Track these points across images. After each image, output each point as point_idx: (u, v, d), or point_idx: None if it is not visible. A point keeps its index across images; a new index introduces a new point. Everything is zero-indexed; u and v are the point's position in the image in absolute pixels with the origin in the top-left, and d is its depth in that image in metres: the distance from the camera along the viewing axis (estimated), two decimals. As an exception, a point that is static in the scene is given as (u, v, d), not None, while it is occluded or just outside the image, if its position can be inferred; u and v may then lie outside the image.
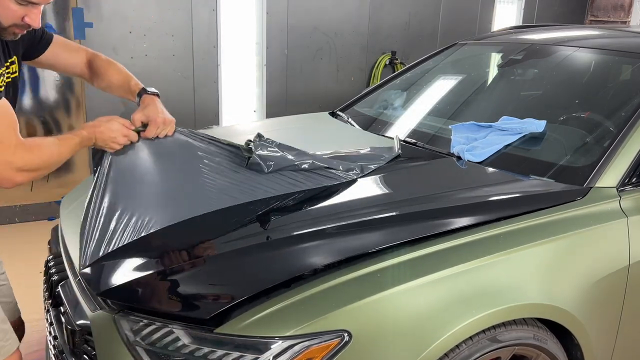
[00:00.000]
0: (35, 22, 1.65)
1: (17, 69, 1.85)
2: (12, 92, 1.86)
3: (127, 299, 1.49)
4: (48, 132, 4.19)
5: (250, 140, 1.97)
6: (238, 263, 1.54)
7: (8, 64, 1.78)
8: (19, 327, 2.02)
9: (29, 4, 1.62)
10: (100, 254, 1.64)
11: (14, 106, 1.79)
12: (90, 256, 1.65)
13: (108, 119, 1.80)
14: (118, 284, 1.53)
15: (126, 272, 1.58)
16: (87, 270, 1.66)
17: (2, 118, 1.61)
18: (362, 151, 2.20)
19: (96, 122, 1.78)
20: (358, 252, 1.49)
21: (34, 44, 1.91)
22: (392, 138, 2.39)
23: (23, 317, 2.28)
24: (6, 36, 1.69)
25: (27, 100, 4.06)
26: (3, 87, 1.74)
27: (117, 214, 1.74)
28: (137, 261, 1.62)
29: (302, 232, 1.62)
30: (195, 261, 1.58)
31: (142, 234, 1.68)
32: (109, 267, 1.62)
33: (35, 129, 4.14)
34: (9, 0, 1.59)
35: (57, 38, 1.97)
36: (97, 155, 1.85)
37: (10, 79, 1.82)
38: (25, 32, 1.70)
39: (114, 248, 1.65)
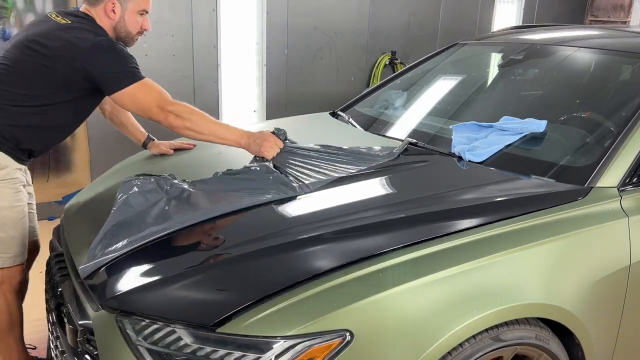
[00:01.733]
0: (148, 26, 2.30)
1: None
2: None
3: (131, 307, 1.48)
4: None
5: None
6: (242, 267, 1.54)
7: None
8: (32, 251, 2.36)
9: (144, 13, 2.26)
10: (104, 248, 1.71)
11: None
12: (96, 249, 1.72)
13: (264, 135, 2.15)
14: (122, 291, 1.53)
15: (130, 279, 1.58)
16: (90, 274, 1.66)
17: (152, 88, 2.13)
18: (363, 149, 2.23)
19: (256, 134, 2.15)
20: (361, 255, 1.49)
21: None
22: (396, 139, 2.40)
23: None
24: (131, 44, 2.30)
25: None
26: None
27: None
28: (140, 268, 1.63)
29: (304, 236, 1.62)
30: (198, 266, 1.57)
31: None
32: (113, 275, 1.62)
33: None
34: (135, 14, 2.23)
35: None
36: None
37: None
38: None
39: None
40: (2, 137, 2.09)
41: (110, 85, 2.10)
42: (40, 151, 2.25)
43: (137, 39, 2.30)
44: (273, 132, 2.17)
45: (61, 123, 2.22)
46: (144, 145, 2.56)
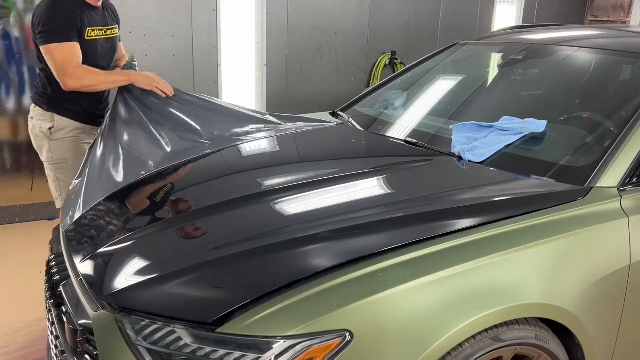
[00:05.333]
0: None
1: (117, 33, 2.86)
2: (108, 48, 2.79)
3: (129, 304, 1.49)
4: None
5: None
6: (241, 265, 1.54)
7: (109, 29, 2.77)
8: None
9: None
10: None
11: (111, 55, 2.84)
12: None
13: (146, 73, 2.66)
14: (120, 288, 1.53)
15: (128, 277, 1.58)
16: (90, 272, 1.67)
17: (65, 51, 2.49)
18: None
19: (144, 73, 2.65)
20: (360, 254, 1.49)
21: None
22: (396, 139, 2.40)
23: (24, 317, 2.28)
24: (93, 2, 2.64)
25: (27, 100, 4.06)
26: (93, 37, 2.66)
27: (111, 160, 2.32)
28: (139, 266, 1.63)
29: (303, 235, 1.62)
30: (196, 264, 1.57)
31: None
32: (111, 272, 1.62)
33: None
34: None
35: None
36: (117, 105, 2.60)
37: (109, 36, 2.78)
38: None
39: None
40: (57, 103, 2.66)
41: (38, 39, 2.54)
42: (87, 109, 2.73)
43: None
44: (127, 63, 2.79)
45: None
46: None
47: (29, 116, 2.78)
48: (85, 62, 2.59)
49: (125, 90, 2.65)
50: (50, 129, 2.70)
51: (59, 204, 2.81)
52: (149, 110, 2.61)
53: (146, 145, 2.44)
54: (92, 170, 2.31)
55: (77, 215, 2.05)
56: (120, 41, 2.96)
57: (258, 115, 2.81)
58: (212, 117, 2.67)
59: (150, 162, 2.32)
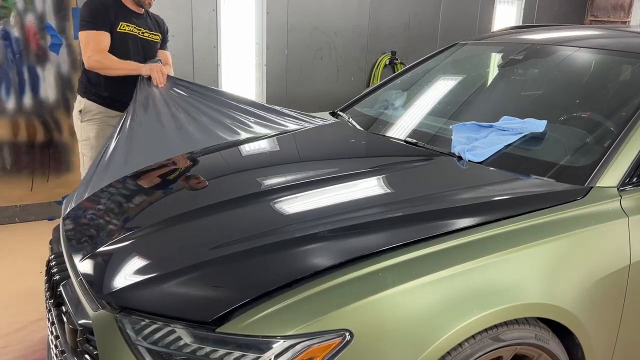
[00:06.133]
0: None
1: (157, 40, 3.25)
2: (142, 46, 3.17)
3: (129, 303, 1.49)
4: (48, 132, 4.19)
5: None
6: (240, 265, 1.54)
7: (148, 32, 3.18)
8: None
9: None
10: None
11: (142, 55, 3.16)
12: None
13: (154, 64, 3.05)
14: (120, 287, 1.53)
15: (128, 276, 1.58)
16: (90, 272, 1.67)
17: (95, 38, 2.95)
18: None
19: (149, 64, 3.03)
20: (360, 254, 1.49)
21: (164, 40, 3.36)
22: (396, 139, 2.39)
23: (24, 317, 2.28)
24: (145, 5, 3.11)
25: (27, 100, 4.06)
26: (125, 31, 3.06)
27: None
28: (138, 265, 1.63)
29: (303, 234, 1.62)
30: (196, 263, 1.58)
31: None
32: (111, 271, 1.62)
33: (35, 129, 4.14)
34: None
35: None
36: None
37: (146, 38, 3.18)
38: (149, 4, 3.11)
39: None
40: (86, 89, 3.11)
41: (78, 28, 2.99)
42: (112, 95, 3.08)
43: (148, 2, 3.09)
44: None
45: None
46: None
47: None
48: (115, 53, 2.99)
49: (147, 82, 2.98)
50: (80, 111, 3.13)
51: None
52: (165, 102, 2.89)
53: (157, 135, 2.71)
54: (104, 157, 2.59)
55: (84, 196, 2.25)
56: (166, 50, 3.37)
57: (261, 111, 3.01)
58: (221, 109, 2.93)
59: (160, 151, 2.55)
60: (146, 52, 3.18)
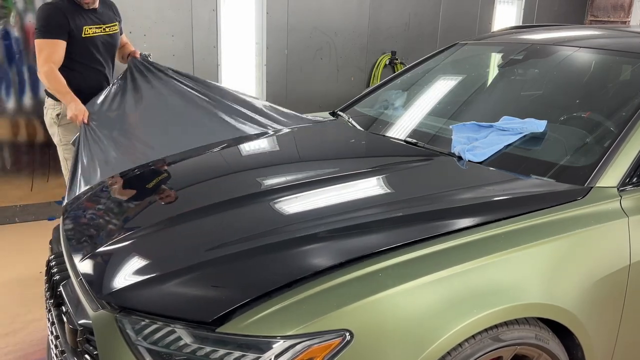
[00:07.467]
0: None
1: (117, 29, 3.25)
2: (108, 42, 3.20)
3: (129, 303, 1.49)
4: (48, 132, 4.18)
5: None
6: (241, 265, 1.54)
7: (108, 26, 3.17)
8: None
9: None
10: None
11: (112, 49, 3.27)
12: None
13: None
14: (119, 287, 1.53)
15: (128, 276, 1.58)
16: (90, 272, 1.67)
17: (48, 48, 2.94)
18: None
19: (73, 105, 2.94)
20: (360, 254, 1.49)
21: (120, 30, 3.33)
22: (396, 139, 2.39)
23: (24, 317, 2.28)
24: (84, 5, 3.02)
25: (27, 100, 4.06)
26: (91, 35, 3.09)
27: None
28: (138, 265, 1.63)
29: (303, 234, 1.62)
30: (196, 263, 1.58)
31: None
32: (111, 271, 1.62)
33: (35, 129, 4.14)
34: None
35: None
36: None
37: (108, 33, 3.19)
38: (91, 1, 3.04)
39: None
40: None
41: (35, 34, 3.00)
42: (87, 98, 3.00)
43: (86, 2, 3.02)
44: (142, 54, 3.22)
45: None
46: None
47: (44, 106, 3.22)
48: (86, 55, 3.08)
49: (130, 76, 3.09)
50: (58, 115, 3.11)
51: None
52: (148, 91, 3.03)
53: (138, 132, 2.82)
54: (87, 156, 2.67)
55: (75, 193, 2.37)
56: (122, 34, 3.35)
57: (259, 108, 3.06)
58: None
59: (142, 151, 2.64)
60: (111, 46, 3.24)
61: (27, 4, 3.91)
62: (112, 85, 3.09)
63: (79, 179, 2.50)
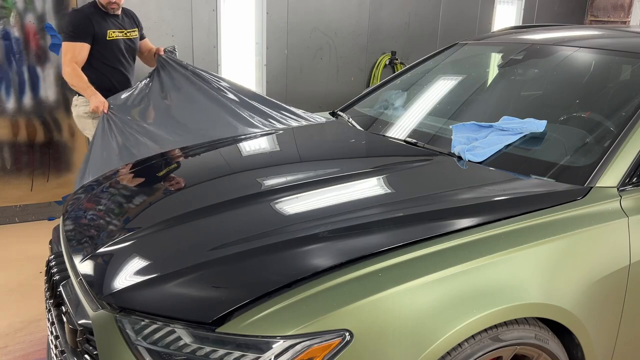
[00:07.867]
0: None
1: (137, 35, 3.67)
2: (129, 46, 3.61)
3: (129, 304, 1.49)
4: (48, 131, 4.19)
5: None
6: (241, 265, 1.54)
7: (130, 31, 3.59)
8: None
9: None
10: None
11: (132, 53, 3.66)
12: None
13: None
14: (120, 288, 1.53)
15: (128, 276, 1.58)
16: (90, 272, 1.67)
17: (74, 50, 3.35)
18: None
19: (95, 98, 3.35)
20: (360, 254, 1.49)
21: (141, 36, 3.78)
22: (396, 139, 2.39)
23: (24, 317, 2.28)
24: (110, 10, 3.44)
25: (27, 100, 4.06)
26: (114, 38, 3.49)
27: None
28: (138, 265, 1.63)
29: (303, 234, 1.62)
30: (196, 264, 1.57)
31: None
32: (111, 271, 1.62)
33: (35, 129, 4.14)
34: None
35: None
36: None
37: (129, 37, 3.60)
38: (117, 5, 3.45)
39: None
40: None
41: (63, 37, 3.37)
42: (110, 87, 3.48)
43: (112, 7, 3.43)
44: (166, 49, 3.63)
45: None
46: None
47: (73, 104, 3.55)
48: (109, 56, 3.47)
49: (156, 73, 3.49)
50: (92, 110, 3.39)
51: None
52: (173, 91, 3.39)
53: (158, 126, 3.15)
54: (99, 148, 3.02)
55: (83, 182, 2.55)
56: (145, 38, 3.79)
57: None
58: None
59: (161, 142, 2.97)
60: (131, 49, 3.62)
61: (27, 4, 3.91)
62: (139, 83, 3.47)
63: (88, 169, 2.80)
